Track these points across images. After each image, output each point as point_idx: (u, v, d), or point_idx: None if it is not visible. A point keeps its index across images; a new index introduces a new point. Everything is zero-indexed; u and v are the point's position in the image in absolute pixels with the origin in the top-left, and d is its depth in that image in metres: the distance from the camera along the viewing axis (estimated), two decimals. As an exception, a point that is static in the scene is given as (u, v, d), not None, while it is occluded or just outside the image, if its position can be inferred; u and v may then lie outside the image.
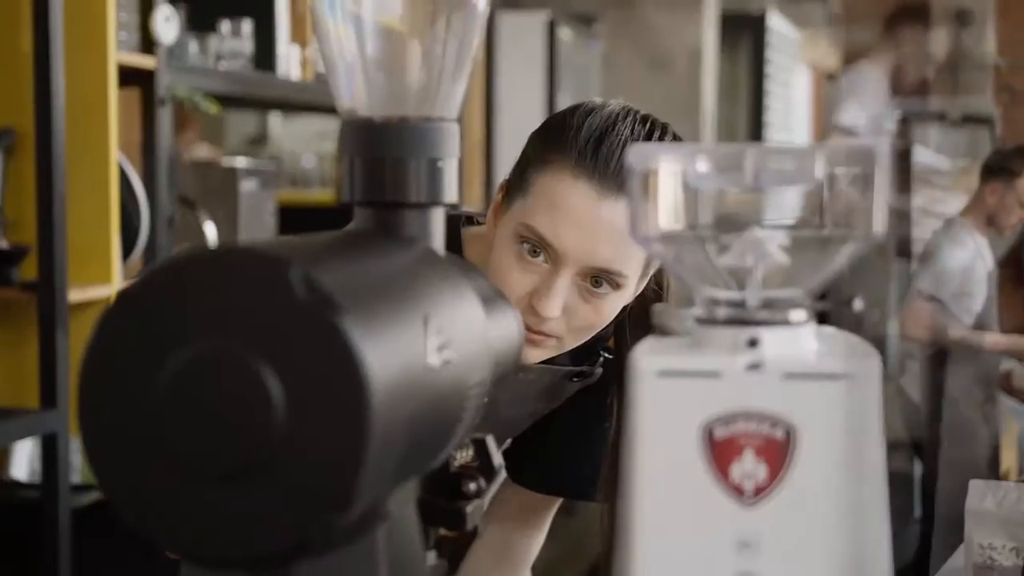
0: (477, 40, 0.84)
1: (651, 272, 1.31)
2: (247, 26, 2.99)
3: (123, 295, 0.63)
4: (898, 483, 4.21)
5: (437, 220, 0.82)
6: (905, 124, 4.96)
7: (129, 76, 2.62)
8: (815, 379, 0.67)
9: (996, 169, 4.27)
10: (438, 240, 0.81)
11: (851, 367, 0.67)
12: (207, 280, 0.62)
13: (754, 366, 0.67)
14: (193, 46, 2.93)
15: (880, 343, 4.41)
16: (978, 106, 9.29)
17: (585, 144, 1.22)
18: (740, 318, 0.70)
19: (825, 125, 4.37)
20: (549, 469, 1.48)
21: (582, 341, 1.28)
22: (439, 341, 0.70)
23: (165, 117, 2.67)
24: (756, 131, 7.46)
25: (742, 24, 7.02)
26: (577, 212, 1.20)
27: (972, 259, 4.22)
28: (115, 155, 2.49)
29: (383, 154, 0.80)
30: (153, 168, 2.66)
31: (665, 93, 5.41)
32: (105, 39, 2.46)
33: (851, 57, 9.82)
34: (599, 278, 1.23)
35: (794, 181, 0.70)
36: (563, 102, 6.14)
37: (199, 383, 0.61)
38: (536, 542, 1.57)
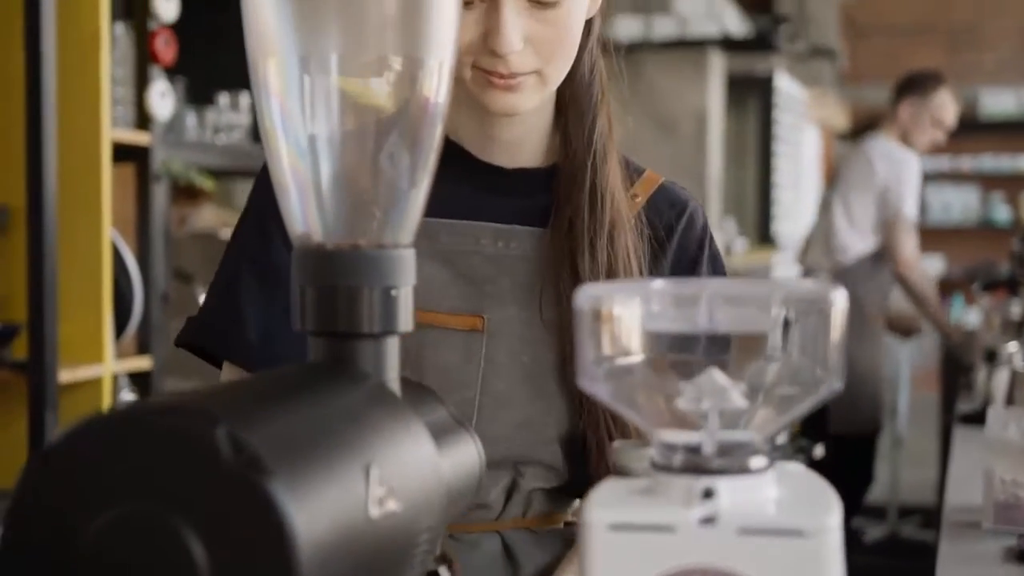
0: (432, 165, 0.82)
1: None
2: (245, 99, 2.99)
3: (47, 452, 0.61)
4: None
5: (392, 350, 0.79)
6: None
7: (124, 152, 2.61)
8: (772, 535, 0.64)
9: (910, 87, 4.40)
10: (392, 371, 0.79)
11: (810, 523, 0.64)
12: (132, 438, 0.60)
13: (708, 520, 0.65)
14: (191, 119, 2.93)
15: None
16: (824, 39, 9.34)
17: None
18: (696, 465, 0.67)
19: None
20: None
21: (565, 68, 1.19)
22: (382, 491, 0.67)
23: (160, 193, 2.66)
24: (764, 191, 7.44)
25: (750, 85, 7.03)
26: None
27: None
28: (108, 232, 2.47)
29: (336, 283, 0.78)
30: (147, 244, 2.65)
31: (672, 156, 5.40)
32: (99, 116, 2.45)
33: (859, 115, 9.86)
34: None
35: (749, 324, 0.68)
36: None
37: (122, 546, 0.59)
38: None
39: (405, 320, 0.79)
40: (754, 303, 0.67)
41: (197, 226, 3.64)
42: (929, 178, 10.05)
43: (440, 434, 0.79)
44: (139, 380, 2.71)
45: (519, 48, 1.14)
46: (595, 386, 0.69)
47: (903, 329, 4.93)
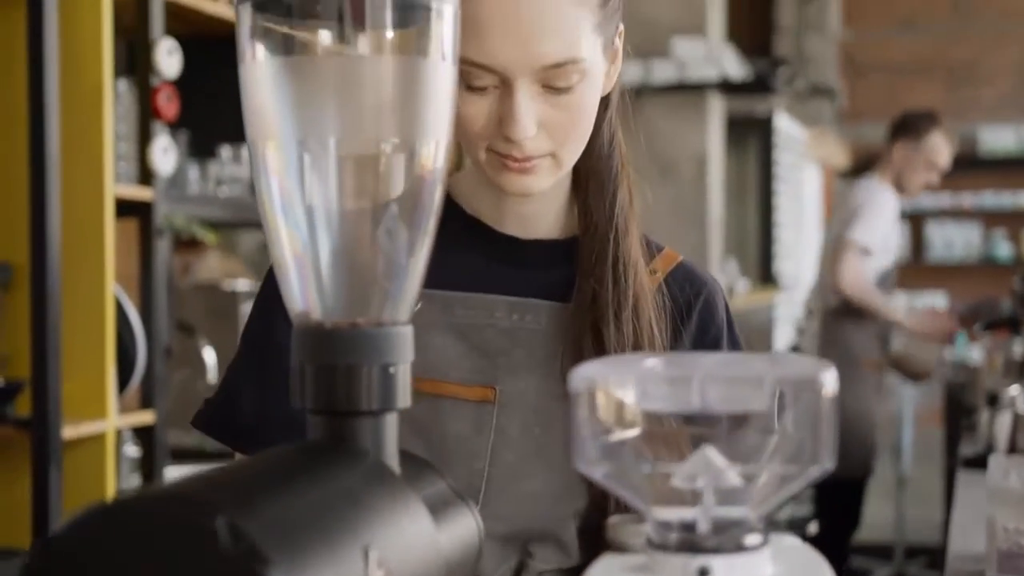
0: (430, 241, 0.83)
1: (615, 36, 1.20)
2: (247, 152, 3.01)
3: (49, 540, 0.62)
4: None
5: (390, 426, 0.80)
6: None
7: (127, 207, 2.63)
8: (767, 614, 0.65)
9: (903, 129, 4.43)
10: (391, 447, 0.80)
11: (803, 602, 0.64)
12: (133, 528, 0.60)
13: (704, 600, 0.65)
14: (194, 172, 2.95)
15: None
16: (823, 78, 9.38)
17: None
18: (691, 544, 0.68)
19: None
20: None
21: (579, 149, 1.18)
22: (380, 573, 0.68)
23: (163, 247, 2.67)
24: (766, 231, 7.47)
25: (749, 126, 7.07)
26: (496, 20, 1.09)
27: (893, 218, 4.39)
28: (111, 288, 2.49)
29: (334, 361, 0.79)
30: (150, 298, 2.66)
31: (672, 199, 5.42)
32: (102, 172, 2.47)
33: (859, 153, 9.90)
34: (557, 75, 1.11)
35: (742, 403, 0.69)
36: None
37: (124, 635, 0.59)
38: None
39: (403, 396, 0.80)
40: (746, 383, 0.68)
41: (200, 276, 3.66)
42: (930, 215, 10.09)
43: (439, 509, 0.80)
44: (142, 434, 2.71)
45: (533, 133, 1.13)
46: (591, 466, 0.70)
47: (910, 373, 4.93)
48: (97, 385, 2.47)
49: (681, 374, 0.68)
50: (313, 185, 0.79)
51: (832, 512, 4.45)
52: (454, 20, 0.80)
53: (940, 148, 4.45)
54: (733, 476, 0.68)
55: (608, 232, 1.22)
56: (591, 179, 1.25)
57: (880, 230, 4.34)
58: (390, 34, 0.78)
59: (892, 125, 4.57)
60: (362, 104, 0.79)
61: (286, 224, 0.80)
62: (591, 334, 1.20)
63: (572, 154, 1.17)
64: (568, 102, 1.13)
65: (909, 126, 4.48)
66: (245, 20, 0.78)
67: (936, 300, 10.04)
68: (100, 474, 2.48)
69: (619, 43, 1.22)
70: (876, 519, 6.50)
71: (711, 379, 0.68)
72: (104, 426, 2.49)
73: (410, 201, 0.81)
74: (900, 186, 4.48)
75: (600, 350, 1.19)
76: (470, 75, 1.10)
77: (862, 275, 4.30)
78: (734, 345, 1.29)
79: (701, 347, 1.27)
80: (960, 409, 4.45)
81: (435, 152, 0.81)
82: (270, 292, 1.24)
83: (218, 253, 4.16)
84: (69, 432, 2.39)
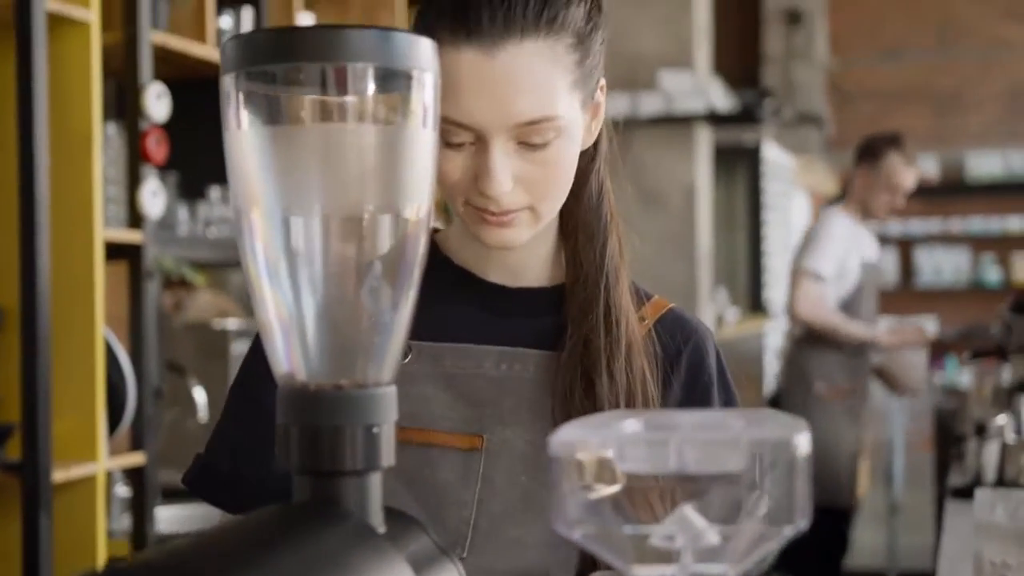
0: (412, 302, 0.84)
1: (596, 90, 1.20)
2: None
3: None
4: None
5: (374, 485, 0.81)
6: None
7: (117, 249, 2.64)
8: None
9: (862, 155, 4.44)
10: (375, 506, 0.81)
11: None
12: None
13: (682, 660, 0.66)
14: (183, 213, 2.96)
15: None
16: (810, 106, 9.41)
17: (453, 9, 1.12)
18: (670, 603, 0.69)
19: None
20: None
21: (558, 203, 1.19)
22: (365, 635, 0.69)
23: (152, 289, 2.69)
24: (755, 259, 7.50)
25: (737, 155, 7.10)
26: (472, 80, 1.11)
27: (848, 243, 4.39)
28: (101, 331, 2.50)
29: (319, 422, 0.80)
30: (140, 340, 2.67)
31: (661, 229, 5.44)
32: (92, 215, 2.49)
33: (847, 180, 9.96)
34: (532, 132, 1.12)
35: (718, 465, 0.70)
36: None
37: None
38: None
39: (387, 455, 0.81)
40: (723, 445, 0.70)
41: (192, 313, 3.67)
42: (920, 240, 10.14)
43: (423, 566, 0.81)
44: (133, 475, 2.72)
45: (508, 189, 1.14)
46: (571, 528, 0.71)
47: (893, 385, 4.94)
48: (88, 428, 2.48)
49: (659, 437, 0.70)
50: (298, 250, 0.80)
51: (819, 539, 4.46)
52: (434, 88, 0.82)
53: (898, 170, 4.42)
54: (712, 535, 0.70)
55: (599, 281, 1.23)
56: (580, 229, 1.25)
57: (834, 256, 4.35)
58: (372, 103, 0.80)
59: (855, 150, 4.59)
60: (346, 172, 0.80)
61: (271, 287, 0.81)
62: (582, 383, 1.21)
63: (551, 207, 1.19)
64: (544, 158, 1.14)
65: (868, 150, 4.49)
66: (230, 89, 0.80)
67: (926, 325, 10.06)
68: (91, 516, 2.49)
69: (601, 97, 1.22)
70: (868, 546, 6.51)
71: (688, 442, 0.70)
72: (95, 468, 2.49)
73: (393, 262, 0.83)
74: (866, 211, 4.49)
75: (592, 399, 1.19)
76: (447, 132, 1.12)
77: (819, 301, 4.31)
78: (726, 391, 1.29)
79: (692, 394, 1.27)
80: (950, 436, 4.46)
81: (417, 214, 0.83)
82: (259, 354, 1.26)
83: (209, 290, 4.18)
84: (59, 475, 2.39)
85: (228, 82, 0.80)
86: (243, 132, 0.80)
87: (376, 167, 0.81)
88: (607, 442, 0.70)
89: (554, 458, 0.70)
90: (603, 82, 1.22)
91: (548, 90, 1.12)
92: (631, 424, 0.73)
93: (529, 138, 1.13)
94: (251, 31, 0.80)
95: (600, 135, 1.26)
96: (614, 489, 0.71)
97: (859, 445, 4.51)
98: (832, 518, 4.41)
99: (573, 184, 1.20)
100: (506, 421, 1.22)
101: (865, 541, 6.63)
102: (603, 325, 1.22)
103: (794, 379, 4.46)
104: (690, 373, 1.28)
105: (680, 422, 0.74)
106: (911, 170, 4.48)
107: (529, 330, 1.25)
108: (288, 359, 0.82)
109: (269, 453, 0.98)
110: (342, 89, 0.79)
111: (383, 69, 0.79)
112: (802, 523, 0.69)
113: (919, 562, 5.50)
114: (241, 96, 0.80)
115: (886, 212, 4.51)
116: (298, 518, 0.76)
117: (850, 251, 4.41)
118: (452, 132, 1.13)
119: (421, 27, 1.15)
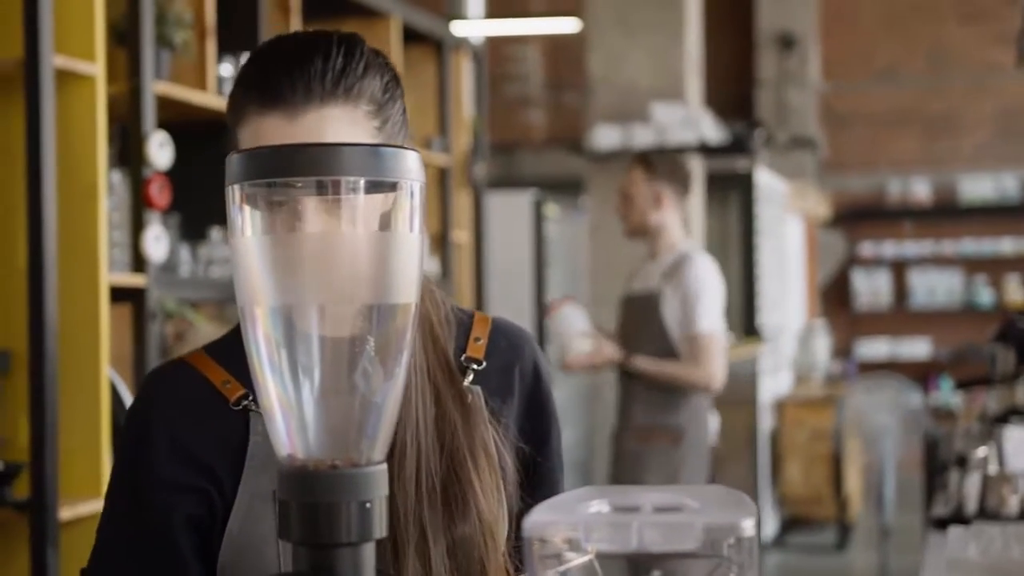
0: (401, 386, 0.93)
1: None
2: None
3: None
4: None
5: (368, 554, 0.90)
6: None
7: (121, 293, 2.72)
8: None
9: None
10: (367, 573, 0.89)
11: None
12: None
13: None
14: (185, 254, 3.04)
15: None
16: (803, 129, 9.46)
17: (260, 77, 1.20)
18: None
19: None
20: None
21: None
22: None
23: (155, 330, 2.77)
24: (749, 284, 7.57)
25: (730, 181, 7.18)
26: (272, 142, 1.18)
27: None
28: (106, 372, 2.58)
29: (316, 499, 0.88)
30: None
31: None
32: (98, 261, 2.57)
33: (841, 204, 10.05)
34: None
35: (676, 545, 0.78)
36: (552, 273, 6.28)
37: None
38: None
39: (380, 527, 0.90)
40: (679, 527, 0.78)
41: (192, 347, 3.74)
42: (913, 262, 10.23)
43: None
44: (137, 510, 2.79)
45: None
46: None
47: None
48: (93, 466, 2.55)
49: (622, 520, 0.78)
50: (296, 346, 0.89)
51: None
52: (421, 194, 0.90)
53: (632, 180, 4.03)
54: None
55: None
56: None
57: None
58: (364, 210, 0.88)
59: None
60: (340, 271, 0.89)
61: (272, 377, 0.90)
62: None
63: None
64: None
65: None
66: (236, 199, 0.89)
67: (920, 347, 10.16)
68: (96, 551, 2.56)
69: None
70: (861, 567, 6.58)
71: (648, 524, 0.78)
72: (99, 506, 2.57)
73: (384, 348, 0.91)
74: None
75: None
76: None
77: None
78: (547, 396, 1.37)
79: (534, 398, 1.35)
80: (939, 460, 4.51)
81: (406, 304, 0.92)
82: (136, 439, 1.27)
83: (210, 323, 4.25)
84: (66, 513, 2.47)
85: (233, 192, 0.89)
86: (247, 239, 0.89)
87: (368, 267, 0.90)
88: (576, 524, 0.79)
89: (526, 538, 0.78)
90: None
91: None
92: (596, 507, 0.81)
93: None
94: (254, 148, 0.89)
95: None
96: (581, 566, 0.79)
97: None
98: None
99: None
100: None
101: (858, 562, 6.71)
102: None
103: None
104: (532, 378, 1.35)
105: (641, 501, 0.83)
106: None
107: None
108: (288, 441, 0.91)
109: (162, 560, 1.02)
110: (336, 199, 0.88)
111: (373, 181, 0.88)
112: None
113: (911, 585, 5.57)
114: (246, 206, 0.88)
115: (634, 230, 4.08)
116: (298, 588, 0.85)
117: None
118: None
119: (235, 98, 1.23)
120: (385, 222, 0.89)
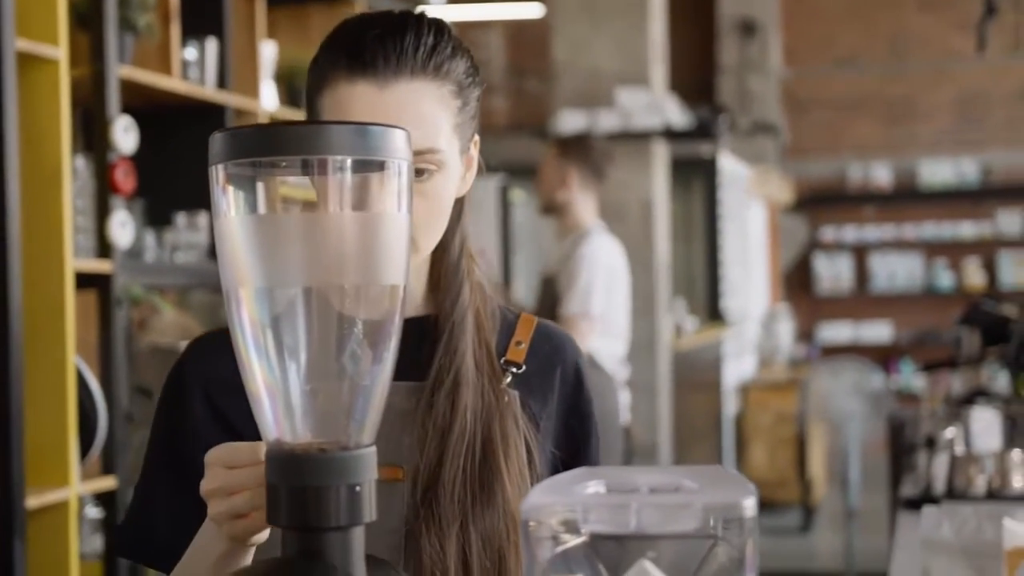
0: (390, 369, 0.91)
1: (471, 144, 1.28)
2: (203, 219, 3.09)
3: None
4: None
5: (357, 539, 0.88)
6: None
7: (86, 279, 2.69)
8: None
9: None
10: (357, 557, 0.88)
11: None
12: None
13: None
14: (151, 239, 3.01)
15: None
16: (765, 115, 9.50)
17: (352, 45, 1.21)
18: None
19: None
20: None
21: (436, 238, 1.25)
22: None
23: (121, 317, 2.74)
24: (712, 269, 7.60)
25: (694, 167, 7.20)
26: (365, 109, 1.19)
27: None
28: (72, 359, 2.55)
29: (305, 483, 0.87)
30: (110, 366, 2.72)
31: (620, 242, 5.52)
32: (62, 247, 2.54)
33: (803, 188, 10.10)
34: (418, 161, 1.19)
35: (674, 526, 0.77)
36: (518, 260, 6.28)
37: None
38: None
39: (369, 511, 0.88)
40: (678, 508, 0.77)
41: (156, 332, 3.71)
42: (874, 247, 10.29)
43: (403, 613, 0.88)
44: (105, 499, 2.77)
45: None
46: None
47: None
48: (60, 454, 2.53)
49: (620, 501, 0.77)
50: (283, 328, 0.87)
51: None
52: (408, 175, 0.89)
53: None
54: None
55: (444, 327, 1.28)
56: (442, 277, 1.31)
57: None
58: (351, 190, 0.87)
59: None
60: (327, 252, 0.88)
61: (258, 360, 0.88)
62: (422, 413, 1.25)
63: (428, 241, 1.25)
64: (426, 189, 1.21)
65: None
66: (218, 179, 0.87)
67: (881, 330, 10.24)
68: (64, 540, 2.54)
69: (474, 152, 1.30)
70: (825, 549, 6.63)
71: (646, 505, 0.77)
72: (67, 494, 2.54)
73: (372, 329, 0.90)
74: None
75: (424, 429, 1.24)
76: None
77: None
78: (587, 400, 1.36)
79: (575, 404, 1.35)
80: (903, 442, 4.53)
81: (393, 285, 0.90)
82: (171, 399, 1.29)
83: (173, 309, 4.21)
84: (33, 501, 2.44)
85: (216, 172, 0.87)
86: (231, 219, 0.87)
87: (354, 247, 0.88)
88: (573, 506, 0.78)
89: (524, 521, 0.77)
90: (477, 138, 1.31)
91: (433, 124, 1.21)
92: (594, 488, 0.80)
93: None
94: (237, 127, 0.87)
95: (468, 191, 1.33)
96: (578, 547, 0.78)
97: None
98: None
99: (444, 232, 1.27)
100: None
101: (823, 544, 6.75)
102: (438, 363, 1.27)
103: None
104: (573, 381, 1.35)
105: (638, 482, 0.82)
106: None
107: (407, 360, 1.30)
108: (276, 426, 0.89)
109: (196, 503, 1.03)
110: (322, 178, 0.86)
111: (360, 160, 0.86)
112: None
113: (876, 565, 5.61)
114: (229, 186, 0.87)
115: (570, 233, 4.08)
116: (286, 571, 0.83)
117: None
118: None
119: (320, 64, 1.23)
120: (372, 201, 0.88)
